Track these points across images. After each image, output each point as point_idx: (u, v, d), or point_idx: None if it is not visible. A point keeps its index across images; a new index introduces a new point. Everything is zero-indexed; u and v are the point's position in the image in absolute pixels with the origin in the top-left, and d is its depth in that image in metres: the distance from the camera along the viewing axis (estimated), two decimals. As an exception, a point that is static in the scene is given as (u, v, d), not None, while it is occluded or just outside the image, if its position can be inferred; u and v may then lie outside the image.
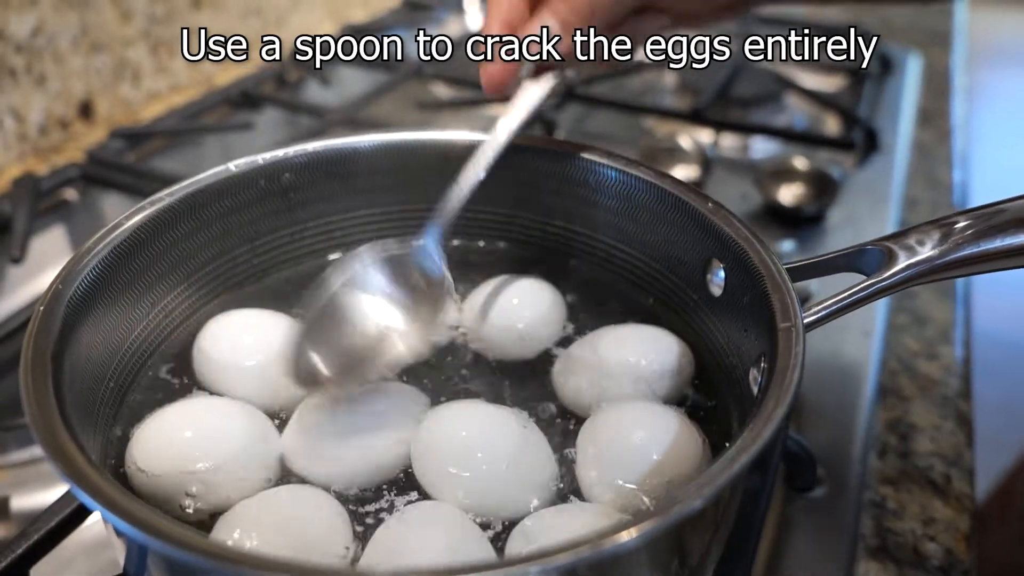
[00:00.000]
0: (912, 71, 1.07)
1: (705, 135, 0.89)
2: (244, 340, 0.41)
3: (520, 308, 0.45)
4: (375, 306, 0.39)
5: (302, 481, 0.37)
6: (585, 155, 0.46)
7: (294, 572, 0.24)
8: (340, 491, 0.36)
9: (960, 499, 0.50)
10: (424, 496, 0.36)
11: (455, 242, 0.51)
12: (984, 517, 0.89)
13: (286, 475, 0.38)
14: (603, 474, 0.36)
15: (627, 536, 0.24)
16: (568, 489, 0.37)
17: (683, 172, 0.78)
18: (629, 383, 0.39)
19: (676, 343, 0.42)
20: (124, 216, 0.39)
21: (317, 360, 0.37)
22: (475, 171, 0.42)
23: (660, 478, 0.35)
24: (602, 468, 0.36)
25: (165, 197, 0.41)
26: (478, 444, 0.36)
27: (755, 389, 0.35)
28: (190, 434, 0.36)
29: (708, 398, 0.41)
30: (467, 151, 0.43)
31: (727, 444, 0.30)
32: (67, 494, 0.40)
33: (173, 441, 0.36)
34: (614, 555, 0.24)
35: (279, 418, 0.41)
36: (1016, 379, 1.93)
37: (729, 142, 0.90)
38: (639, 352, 0.40)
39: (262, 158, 0.45)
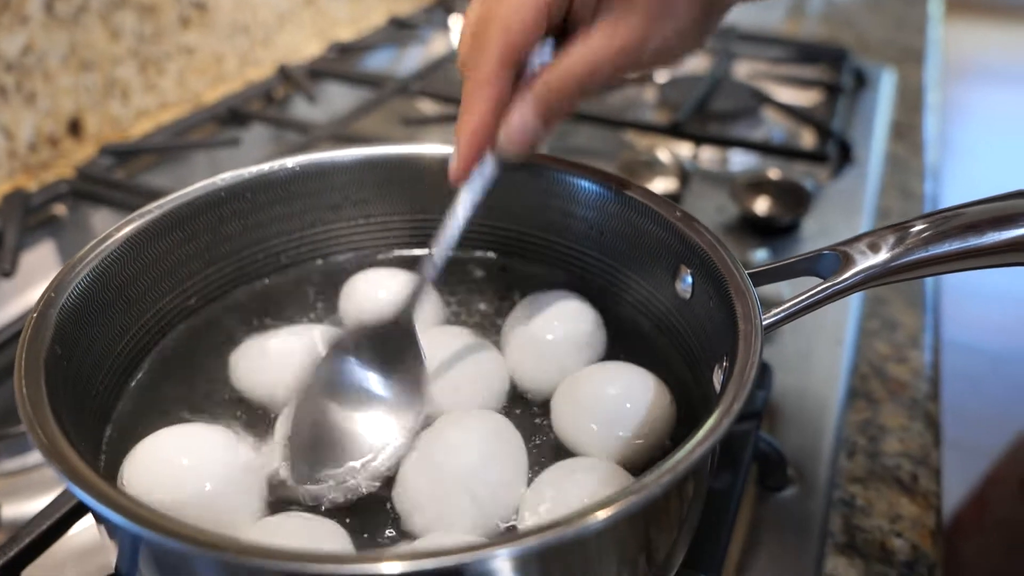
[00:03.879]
0: (886, 86, 1.09)
1: (685, 148, 0.91)
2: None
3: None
4: (361, 398, 0.40)
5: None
6: (562, 169, 0.48)
7: (288, 559, 0.26)
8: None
9: (927, 497, 0.51)
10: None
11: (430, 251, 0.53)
12: (962, 524, 0.90)
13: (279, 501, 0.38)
14: (586, 425, 0.39)
15: (591, 520, 0.26)
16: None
17: (662, 185, 0.80)
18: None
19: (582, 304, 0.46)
20: (114, 227, 0.41)
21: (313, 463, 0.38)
22: (443, 251, 0.42)
23: (640, 425, 0.38)
24: (583, 419, 0.40)
25: (154, 209, 0.43)
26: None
27: (718, 386, 0.36)
28: (177, 467, 0.36)
29: (678, 396, 0.43)
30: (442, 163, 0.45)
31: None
32: (58, 498, 0.41)
33: (160, 477, 0.36)
34: (577, 539, 0.25)
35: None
36: (986, 385, 1.96)
37: (708, 155, 0.92)
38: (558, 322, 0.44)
39: (248, 172, 0.46)
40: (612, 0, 0.38)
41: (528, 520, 0.35)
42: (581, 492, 0.34)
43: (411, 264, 0.50)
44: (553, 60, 0.39)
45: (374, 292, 0.48)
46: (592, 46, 0.38)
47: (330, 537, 0.35)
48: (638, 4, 0.38)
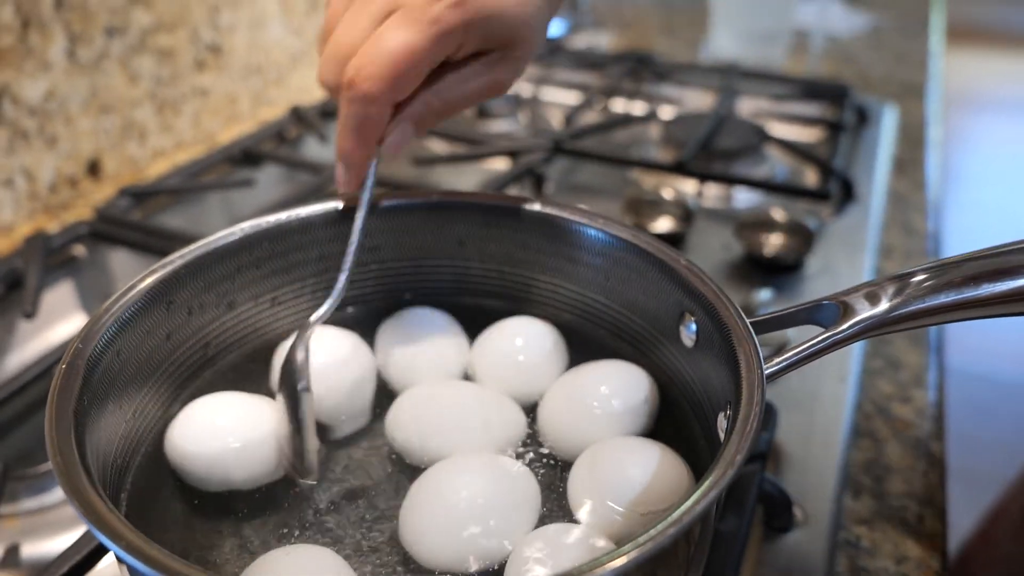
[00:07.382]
0: (888, 122, 1.11)
1: (689, 186, 0.93)
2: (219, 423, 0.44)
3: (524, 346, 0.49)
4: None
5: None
6: (572, 217, 0.49)
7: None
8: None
9: (932, 538, 0.52)
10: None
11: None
12: (969, 559, 0.90)
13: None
14: (599, 503, 0.39)
15: (602, 571, 0.27)
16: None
17: (667, 223, 0.82)
18: (602, 422, 0.44)
19: (642, 377, 0.46)
20: (138, 278, 0.42)
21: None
22: (344, 277, 0.46)
23: (658, 505, 0.38)
24: (598, 497, 0.39)
25: (176, 259, 0.44)
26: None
27: (722, 435, 0.37)
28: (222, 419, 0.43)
29: (683, 442, 0.44)
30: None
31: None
32: (81, 538, 0.42)
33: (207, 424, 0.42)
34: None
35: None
36: (994, 414, 1.96)
37: (713, 192, 0.93)
38: (610, 391, 0.45)
39: (266, 221, 0.48)
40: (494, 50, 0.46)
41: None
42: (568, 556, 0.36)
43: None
44: (434, 86, 0.46)
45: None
46: (467, 75, 0.46)
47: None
48: (519, 54, 0.46)
